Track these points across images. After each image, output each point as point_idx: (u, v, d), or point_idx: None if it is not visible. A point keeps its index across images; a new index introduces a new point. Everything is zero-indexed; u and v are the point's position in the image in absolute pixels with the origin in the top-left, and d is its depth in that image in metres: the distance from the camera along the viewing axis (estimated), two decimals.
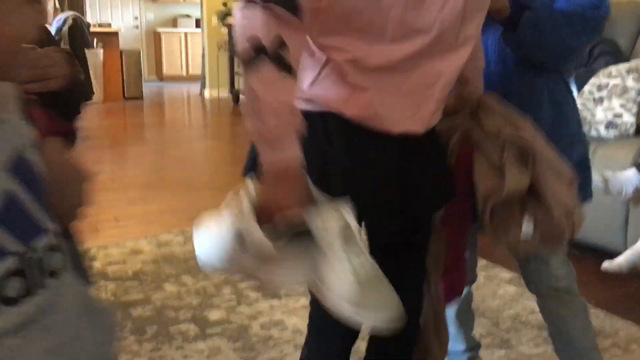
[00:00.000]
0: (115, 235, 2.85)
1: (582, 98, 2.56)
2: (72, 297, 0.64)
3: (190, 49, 10.68)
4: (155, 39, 10.82)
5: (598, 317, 2.05)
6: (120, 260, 2.53)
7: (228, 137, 5.78)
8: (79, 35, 5.52)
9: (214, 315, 2.06)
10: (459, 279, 1.30)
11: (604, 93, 2.53)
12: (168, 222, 3.03)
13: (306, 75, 1.02)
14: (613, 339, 1.92)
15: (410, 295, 1.12)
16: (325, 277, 0.90)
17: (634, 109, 2.46)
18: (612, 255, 2.36)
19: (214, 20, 8.17)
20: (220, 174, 4.15)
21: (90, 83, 5.58)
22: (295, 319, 2.03)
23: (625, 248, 2.32)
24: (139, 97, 8.15)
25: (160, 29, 10.73)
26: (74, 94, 1.21)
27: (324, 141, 1.02)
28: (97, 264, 2.48)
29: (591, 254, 2.54)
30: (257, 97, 0.91)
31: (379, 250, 1.00)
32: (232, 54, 7.77)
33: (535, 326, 1.99)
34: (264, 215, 0.92)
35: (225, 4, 8.01)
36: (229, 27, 7.74)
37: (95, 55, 7.31)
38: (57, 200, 0.64)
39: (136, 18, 10.80)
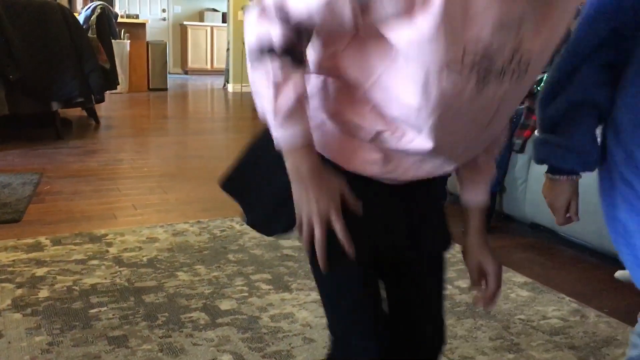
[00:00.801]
0: (132, 222, 2.89)
1: None
2: None
3: (215, 43, 10.77)
4: (181, 31, 10.92)
5: (610, 326, 2.03)
6: (136, 247, 2.57)
7: (248, 131, 5.81)
8: (106, 25, 5.59)
9: (225, 305, 2.08)
10: None
11: None
12: (185, 212, 3.06)
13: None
14: (625, 348, 1.89)
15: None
16: None
17: None
18: None
19: (240, 15, 8.22)
20: None
21: (116, 73, 5.64)
22: (305, 313, 2.04)
23: None
24: (164, 88, 8.24)
25: (186, 22, 10.83)
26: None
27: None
28: (113, 250, 2.52)
29: (607, 262, 2.52)
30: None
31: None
32: None
33: (546, 331, 1.98)
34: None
35: None
36: None
37: (122, 46, 7.40)
38: None
39: (164, 10, 10.92)
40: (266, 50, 0.85)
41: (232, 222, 2.92)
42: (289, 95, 0.85)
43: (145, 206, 3.15)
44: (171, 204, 3.21)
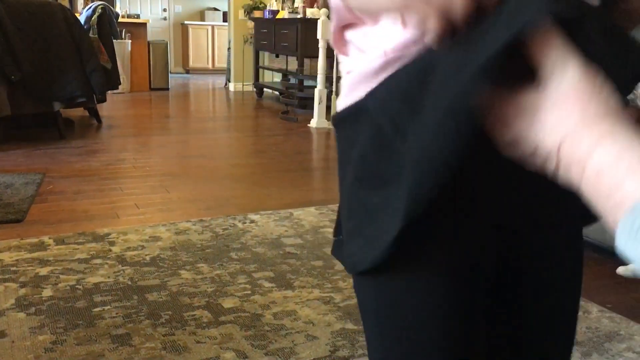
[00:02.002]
0: (135, 221, 2.89)
1: None
2: None
3: (216, 42, 10.77)
4: (182, 31, 10.92)
5: (613, 321, 2.02)
6: (138, 245, 2.57)
7: (250, 130, 5.81)
8: (107, 25, 5.59)
9: (228, 303, 2.09)
10: None
11: None
12: (187, 211, 3.06)
13: None
14: (628, 343, 1.90)
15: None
16: None
17: None
18: None
19: (241, 13, 8.21)
20: (240, 167, 4.18)
21: (118, 72, 5.64)
22: (307, 310, 2.05)
23: None
24: (165, 87, 8.25)
25: (187, 22, 10.83)
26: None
27: None
28: (115, 249, 2.52)
29: (610, 258, 2.51)
30: None
31: None
32: (257, 47, 7.81)
33: None
34: None
35: None
36: (255, 20, 7.77)
37: (124, 46, 7.41)
38: None
39: (165, 10, 10.92)
40: None
41: (234, 220, 2.92)
42: None
43: (148, 205, 3.15)
44: (173, 202, 3.22)
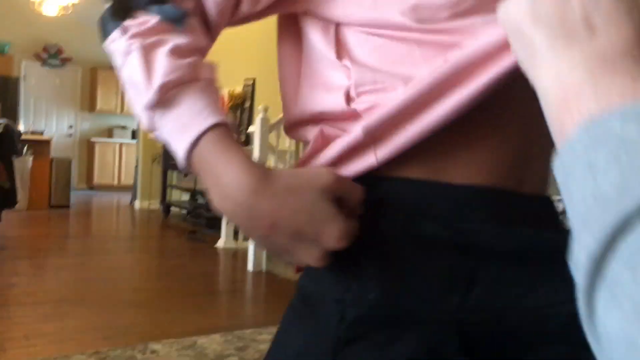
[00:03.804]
0: (23, 354, 2.68)
1: None
2: None
3: (124, 159, 10.71)
4: (88, 147, 10.81)
5: None
6: None
7: (155, 251, 5.68)
8: (8, 143, 5.46)
9: None
10: None
11: None
12: (82, 342, 2.89)
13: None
14: None
15: None
16: None
17: None
18: None
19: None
20: (143, 291, 4.04)
21: (15, 192, 5.44)
22: None
23: None
24: (66, 205, 7.99)
25: (94, 139, 10.76)
26: None
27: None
28: None
29: None
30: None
31: None
32: (165, 167, 7.84)
33: None
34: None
35: None
36: None
37: (24, 162, 7.20)
38: None
39: (71, 127, 10.82)
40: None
41: (133, 350, 2.78)
42: (161, 58, 0.54)
43: (39, 336, 2.95)
44: (68, 332, 3.03)
